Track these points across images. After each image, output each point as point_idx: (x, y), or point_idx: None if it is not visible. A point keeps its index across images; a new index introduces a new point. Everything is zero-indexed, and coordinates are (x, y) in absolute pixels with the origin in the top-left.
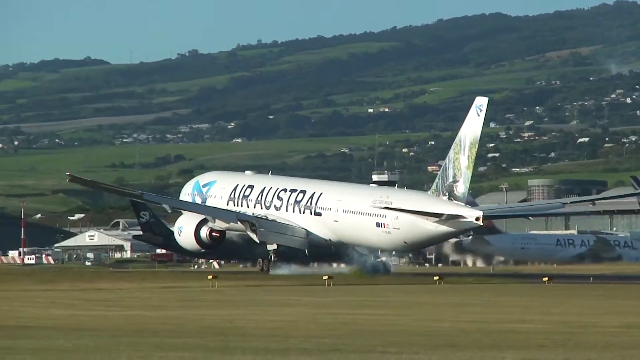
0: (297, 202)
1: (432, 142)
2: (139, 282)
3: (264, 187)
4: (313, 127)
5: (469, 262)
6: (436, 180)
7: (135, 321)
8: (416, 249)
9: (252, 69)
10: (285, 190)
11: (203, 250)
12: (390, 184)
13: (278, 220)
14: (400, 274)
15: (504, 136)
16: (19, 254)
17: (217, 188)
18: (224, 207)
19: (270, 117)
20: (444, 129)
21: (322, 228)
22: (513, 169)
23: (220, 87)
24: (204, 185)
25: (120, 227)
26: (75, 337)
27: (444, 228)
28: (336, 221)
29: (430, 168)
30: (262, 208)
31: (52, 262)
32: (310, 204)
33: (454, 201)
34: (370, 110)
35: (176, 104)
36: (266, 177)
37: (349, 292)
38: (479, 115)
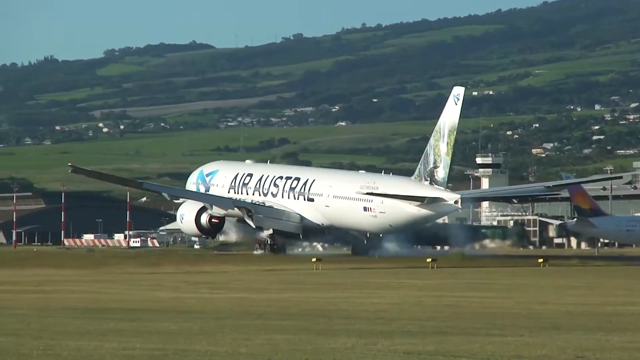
0: (292, 188)
1: (537, 125)
2: (243, 265)
3: (262, 175)
4: (417, 110)
5: (573, 245)
6: (418, 166)
7: (239, 303)
8: (401, 232)
9: (357, 52)
10: (281, 177)
11: (203, 236)
12: (494, 166)
13: (274, 207)
14: (504, 257)
15: (609, 118)
16: (125, 237)
17: (220, 177)
18: (226, 194)
19: (375, 100)
20: (548, 112)
21: (314, 213)
22: (618, 151)
23: (324, 71)
24: (207, 175)
25: None
26: (180, 319)
27: (425, 211)
28: (327, 206)
29: (534, 151)
30: (260, 195)
31: (157, 245)
32: (304, 190)
33: (435, 186)
34: (475, 93)
35: (281, 88)
36: (264, 166)
37: (453, 274)
38: (456, 104)
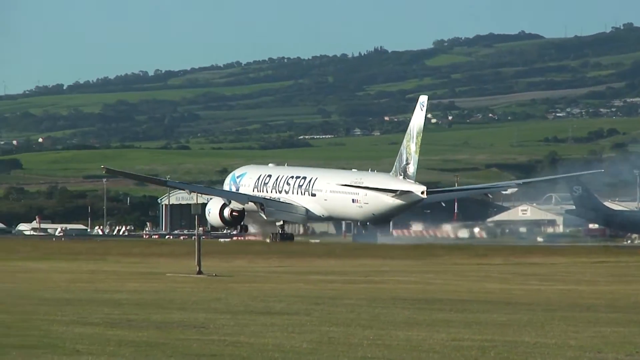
0: (299, 186)
1: None
2: (571, 257)
3: (278, 176)
4: None
5: None
6: (395, 163)
7: (568, 295)
8: (382, 220)
9: None
10: (292, 177)
11: (226, 227)
12: None
13: (284, 201)
14: None
15: None
16: (452, 227)
17: (247, 178)
18: (251, 193)
19: None
20: None
21: (316, 206)
22: None
23: None
24: (237, 177)
25: (553, 201)
26: (509, 311)
27: (399, 201)
28: (326, 200)
29: None
30: (276, 192)
31: (484, 236)
32: (309, 187)
33: (407, 179)
34: None
35: (610, 78)
36: (281, 168)
37: None
38: (422, 110)
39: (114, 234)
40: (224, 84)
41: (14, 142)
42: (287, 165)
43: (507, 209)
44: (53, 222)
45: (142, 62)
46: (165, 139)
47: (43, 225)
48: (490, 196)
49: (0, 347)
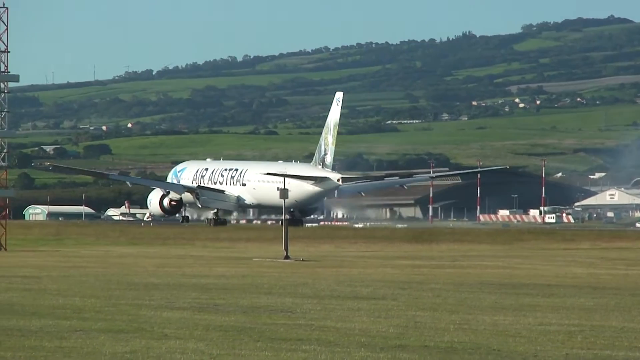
0: (232, 177)
1: None
2: None
3: (214, 169)
4: None
5: None
6: (315, 154)
7: None
8: (304, 206)
9: None
10: (226, 169)
11: (166, 215)
12: None
13: (217, 190)
14: None
15: None
16: (540, 212)
17: (187, 172)
18: (190, 185)
19: None
20: None
21: (246, 195)
22: None
23: None
24: (179, 171)
25: None
26: (596, 295)
27: (317, 188)
28: (254, 189)
29: None
30: (212, 184)
31: (571, 220)
32: (240, 178)
33: (325, 168)
34: None
35: None
36: (217, 162)
37: None
38: (338, 105)
39: (202, 219)
40: (312, 69)
41: (104, 127)
42: (222, 159)
43: (594, 193)
44: (142, 208)
45: (231, 47)
46: (253, 124)
47: (132, 211)
48: (406, 187)
49: (89, 331)
